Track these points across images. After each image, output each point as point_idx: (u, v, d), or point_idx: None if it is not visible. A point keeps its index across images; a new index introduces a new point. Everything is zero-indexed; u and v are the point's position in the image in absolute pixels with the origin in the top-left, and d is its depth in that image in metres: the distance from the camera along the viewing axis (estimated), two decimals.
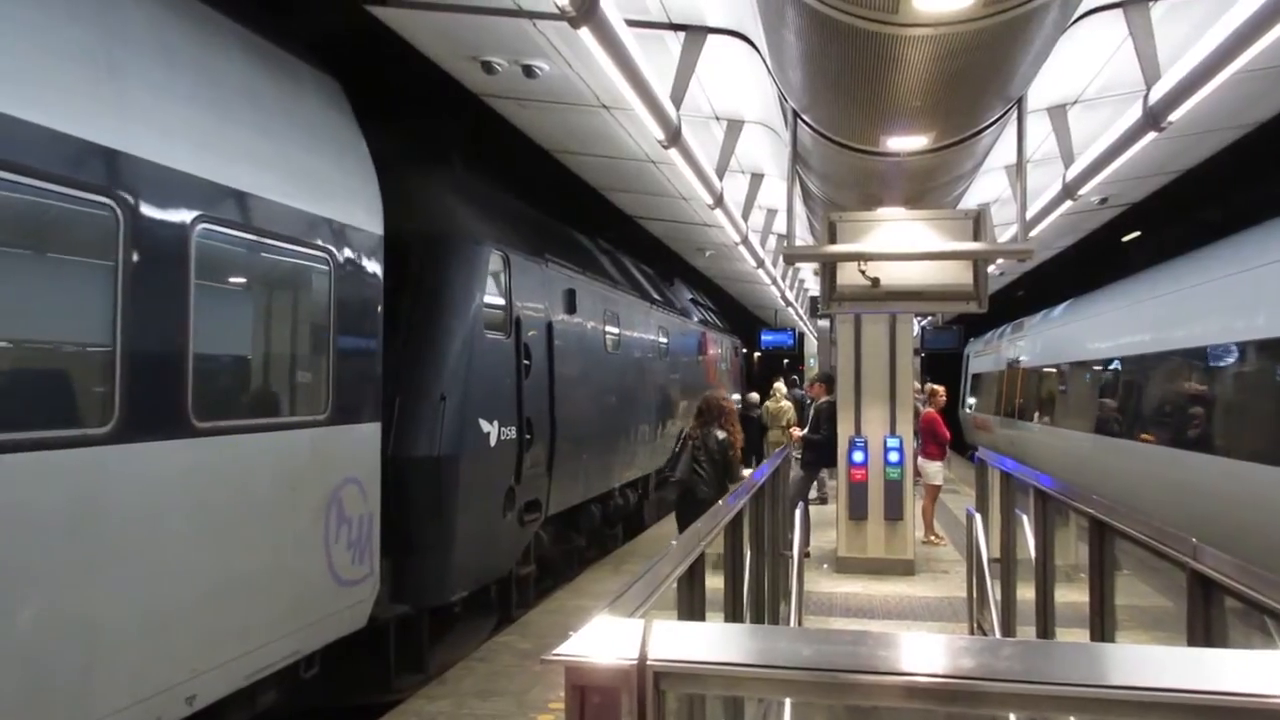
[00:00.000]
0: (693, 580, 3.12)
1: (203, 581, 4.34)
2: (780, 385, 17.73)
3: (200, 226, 4.37)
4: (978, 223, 6.47)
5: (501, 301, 7.75)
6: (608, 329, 11.09)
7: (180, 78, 4.47)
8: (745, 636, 2.23)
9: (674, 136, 6.39)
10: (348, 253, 5.59)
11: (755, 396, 19.77)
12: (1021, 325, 20.46)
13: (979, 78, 4.59)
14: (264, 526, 4.80)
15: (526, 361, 8.04)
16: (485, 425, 7.12)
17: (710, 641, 1.91)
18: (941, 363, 26.83)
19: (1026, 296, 23.86)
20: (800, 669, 1.65)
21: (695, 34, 6.19)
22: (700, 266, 18.55)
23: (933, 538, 11.83)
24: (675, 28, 6.17)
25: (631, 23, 5.03)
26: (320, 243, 5.32)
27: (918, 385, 14.25)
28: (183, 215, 4.29)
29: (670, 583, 2.74)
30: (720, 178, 8.55)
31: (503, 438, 7.42)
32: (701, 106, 7.87)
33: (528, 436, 7.93)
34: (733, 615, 4.42)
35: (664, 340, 14.45)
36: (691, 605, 3.09)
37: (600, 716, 1.67)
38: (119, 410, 3.90)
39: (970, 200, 9.25)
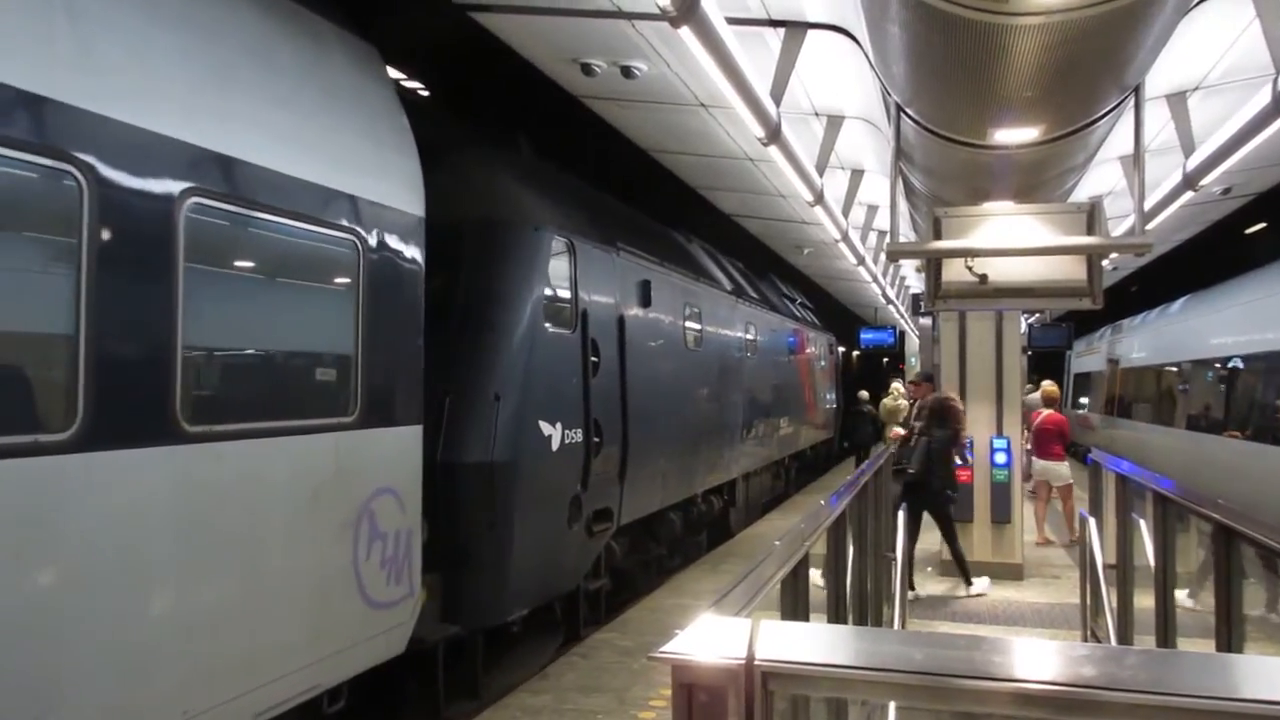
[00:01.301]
0: (796, 581, 3.09)
1: (195, 610, 3.79)
2: (897, 385, 18.48)
3: (191, 201, 3.78)
4: (1091, 216, 6.24)
5: (566, 293, 7.13)
6: (688, 324, 10.29)
7: (163, 31, 3.86)
8: (854, 638, 2.20)
9: (774, 134, 6.34)
10: (380, 234, 4.95)
11: (865, 394, 20.72)
12: (1132, 322, 19.72)
13: (1093, 66, 4.42)
14: (274, 545, 4.22)
15: (594, 359, 7.42)
16: (546, 428, 6.54)
17: (818, 642, 1.89)
18: (1048, 361, 25.97)
19: (1140, 292, 22.90)
20: (912, 673, 1.62)
21: (795, 30, 6.13)
22: (798, 264, 18.38)
23: (1050, 538, 11.59)
24: (775, 24, 6.12)
25: (732, 20, 5.01)
26: (344, 222, 4.72)
27: (1031, 385, 13.96)
28: (167, 186, 3.69)
29: (774, 583, 2.72)
30: (820, 174, 8.45)
31: (567, 441, 6.83)
32: (801, 103, 7.79)
33: (596, 440, 7.32)
34: (835, 617, 4.37)
35: (752, 337, 13.50)
36: (795, 606, 3.06)
37: (707, 715, 1.68)
38: (83, 412, 3.30)
39: (1082, 193, 8.92)
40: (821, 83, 7.41)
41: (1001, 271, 6.39)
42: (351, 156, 4.89)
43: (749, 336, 13.32)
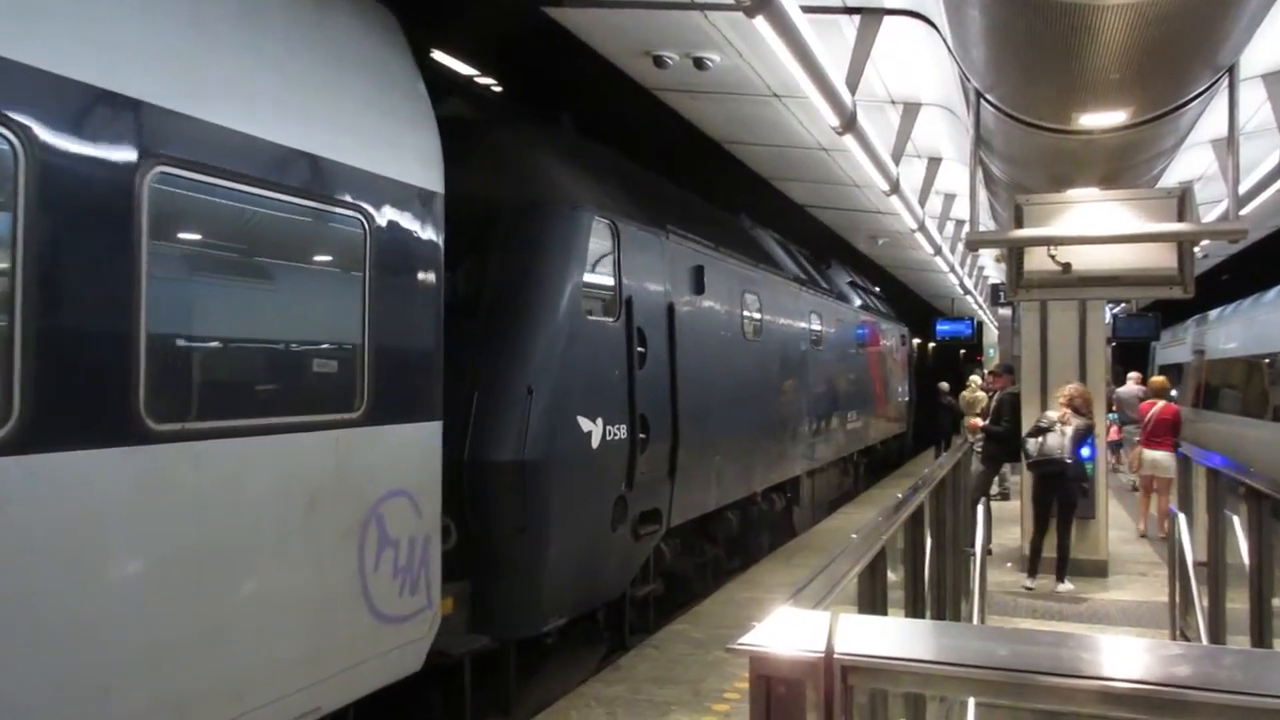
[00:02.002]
0: (874, 575, 3.06)
1: (163, 632, 3.37)
2: (976, 377, 18.64)
3: (156, 170, 3.37)
4: (1182, 201, 6.02)
5: (608, 279, 6.63)
6: (747, 313, 9.66)
7: None
8: (936, 633, 2.17)
9: (849, 122, 6.26)
10: (391, 212, 4.54)
11: (945, 386, 20.70)
12: (1224, 312, 19.02)
13: (1184, 46, 4.26)
14: (262, 557, 3.80)
15: (641, 349, 6.91)
16: (585, 423, 6.09)
17: (899, 637, 1.88)
18: (1132, 352, 25.19)
19: (1232, 281, 22.04)
20: (997, 669, 1.60)
21: (871, 16, 6.04)
22: (872, 254, 18.14)
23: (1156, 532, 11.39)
24: (850, 11, 6.04)
25: (806, 8, 4.95)
26: (348, 198, 4.29)
27: (1137, 376, 13.69)
28: (125, 154, 3.28)
29: (851, 577, 2.70)
30: (896, 163, 8.32)
31: (609, 438, 6.36)
32: (876, 90, 7.68)
33: (642, 436, 6.82)
34: (913, 612, 4.31)
35: (818, 327, 12.84)
36: (873, 600, 3.03)
37: (785, 707, 1.67)
38: (18, 409, 2.93)
39: (1171, 178, 8.63)
40: (897, 69, 7.29)
41: (1086, 260, 6.20)
42: (357, 126, 4.45)
43: (814, 326, 12.72)
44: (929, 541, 4.79)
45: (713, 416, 8.39)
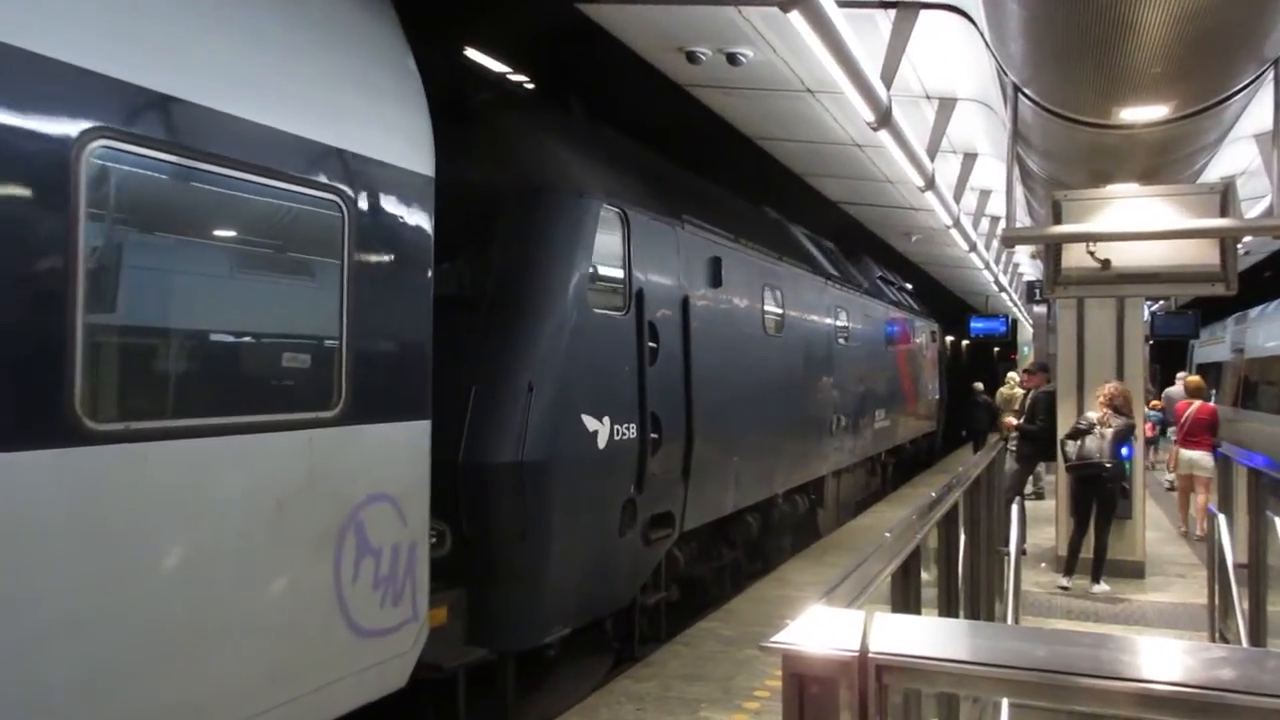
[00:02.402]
0: (908, 574, 3.03)
1: (103, 653, 3.06)
2: (1014, 374, 18.46)
3: (97, 144, 3.04)
4: (1225, 197, 5.92)
5: (617, 270, 6.31)
6: (768, 307, 9.22)
7: None
8: (972, 633, 2.15)
9: (884, 118, 6.21)
10: (373, 195, 4.20)
11: (980, 385, 20.73)
12: (1266, 309, 18.69)
13: (1228, 39, 4.19)
14: (219, 568, 3.47)
15: (653, 344, 6.56)
16: (591, 422, 5.77)
17: (934, 636, 1.86)
18: (1168, 350, 24.82)
19: (1274, 278, 21.64)
20: (1034, 670, 1.58)
21: (906, 11, 5.99)
22: (905, 251, 18.00)
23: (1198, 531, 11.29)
24: (885, 5, 5.99)
25: (842, 3, 4.92)
26: (324, 179, 3.95)
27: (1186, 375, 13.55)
28: (60, 125, 2.98)
29: (884, 577, 2.68)
30: (931, 159, 8.25)
31: (617, 438, 6.03)
32: (911, 85, 7.61)
33: (654, 436, 6.47)
34: (946, 612, 4.27)
35: (843, 323, 12.36)
36: (907, 600, 3.01)
37: (819, 706, 1.66)
38: None
39: (1213, 173, 8.48)
40: (933, 64, 7.23)
41: (1126, 257, 6.13)
42: (336, 103, 4.13)
43: (840, 322, 12.23)
44: (963, 541, 4.75)
45: (730, 415, 8.01)
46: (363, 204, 4.15)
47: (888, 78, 6.14)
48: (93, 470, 3.03)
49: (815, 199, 12.88)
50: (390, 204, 4.33)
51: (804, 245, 11.94)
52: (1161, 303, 19.45)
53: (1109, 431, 8.51)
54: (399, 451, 4.34)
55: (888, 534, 3.02)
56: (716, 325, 7.82)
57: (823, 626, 1.72)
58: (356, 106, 4.24)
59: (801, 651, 1.65)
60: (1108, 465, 8.48)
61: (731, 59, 6.92)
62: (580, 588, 5.81)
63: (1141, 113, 5.18)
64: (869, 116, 6.17)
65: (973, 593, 5.28)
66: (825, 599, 2.02)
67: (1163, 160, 6.37)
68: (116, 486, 3.12)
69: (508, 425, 5.25)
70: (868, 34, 6.04)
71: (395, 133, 4.42)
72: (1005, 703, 4.27)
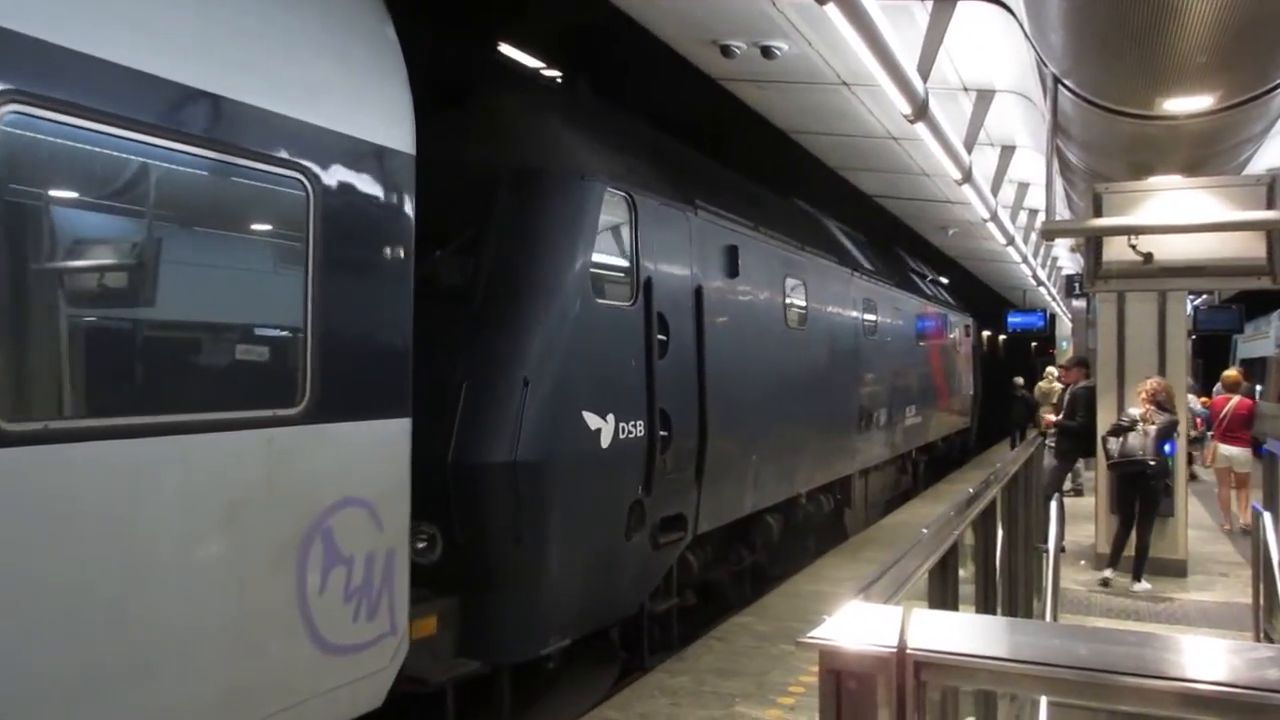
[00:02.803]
0: (945, 571, 3.01)
1: (19, 679, 2.75)
2: (1053, 369, 18.59)
3: (7, 110, 2.72)
4: (1272, 189, 5.81)
5: (623, 259, 5.97)
6: (790, 299, 8.82)
7: None
8: (1012, 630, 2.13)
9: (921, 110, 6.15)
10: (342, 173, 3.85)
11: (1020, 380, 21.07)
12: None
13: (1276, 26, 4.10)
14: (159, 582, 3.14)
15: (662, 337, 6.19)
16: (593, 420, 5.44)
17: (973, 633, 1.84)
18: (1210, 345, 24.41)
19: None
20: (1076, 668, 1.56)
21: (944, 1, 5.92)
22: (941, 244, 17.84)
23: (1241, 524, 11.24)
24: None
25: None
26: (285, 154, 3.61)
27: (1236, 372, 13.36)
28: None
29: (922, 573, 2.66)
30: (969, 151, 8.16)
31: (623, 436, 5.68)
32: (949, 77, 7.54)
33: (664, 434, 6.10)
34: (984, 609, 4.23)
35: (871, 316, 11.86)
36: (944, 597, 2.98)
37: (856, 702, 1.66)
38: None
39: (1259, 165, 8.32)
40: (971, 56, 7.15)
41: (1168, 250, 6.03)
42: (299, 72, 3.76)
43: (868, 316, 11.75)
44: (1000, 537, 4.70)
45: (749, 412, 7.64)
46: (330, 182, 3.80)
47: (925, 70, 6.08)
48: (7, 475, 2.71)
49: (850, 193, 12.79)
50: (363, 183, 3.97)
51: (830, 235, 11.51)
52: (1204, 296, 19.13)
53: (1152, 428, 8.38)
54: (374, 452, 3.98)
55: (925, 530, 3.00)
56: (733, 317, 7.44)
57: (860, 622, 1.72)
58: (324, 75, 3.88)
59: (839, 647, 1.64)
60: (1151, 463, 8.36)
61: (766, 52, 6.88)
62: (582, 595, 5.47)
63: (1185, 103, 5.09)
64: (906, 109, 6.12)
65: (1011, 590, 5.23)
66: (862, 595, 2.01)
67: (1207, 152, 6.26)
68: (36, 493, 2.80)
69: (501, 423, 4.93)
70: (904, 26, 5.98)
71: (370, 106, 4.06)
72: (1044, 701, 4.22)
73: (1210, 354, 24.10)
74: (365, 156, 3.98)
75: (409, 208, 4.19)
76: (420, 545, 4.63)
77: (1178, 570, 9.11)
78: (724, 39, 6.78)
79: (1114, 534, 8.86)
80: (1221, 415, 11.83)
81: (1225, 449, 11.66)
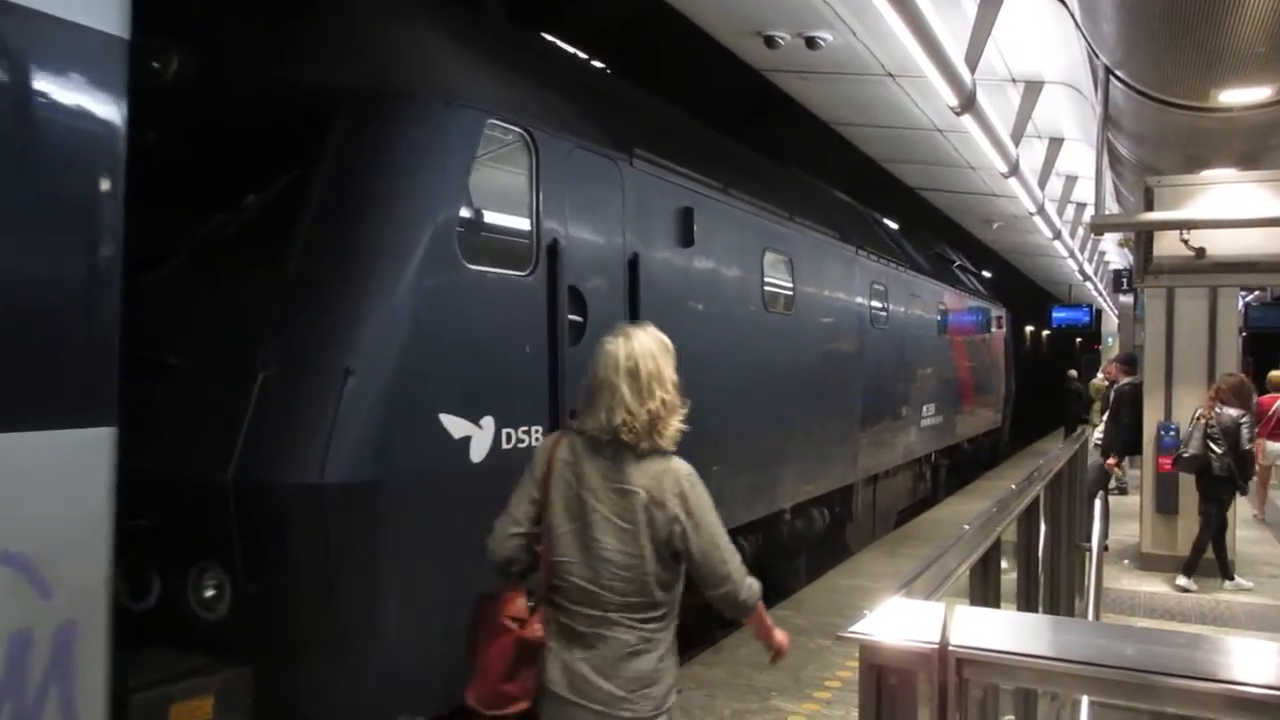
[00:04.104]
0: (987, 568, 2.98)
1: None
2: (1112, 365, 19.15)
3: None
4: None
5: (515, 217, 4.56)
6: (772, 279, 7.35)
7: None
8: (1055, 629, 2.10)
9: (968, 102, 6.07)
10: None
11: (1074, 373, 21.16)
12: None
13: None
14: None
15: (576, 318, 4.80)
16: (458, 425, 4.03)
17: (1016, 631, 1.83)
18: (1267, 343, 23.88)
19: None
20: (1122, 669, 1.54)
21: None
22: (985, 238, 17.63)
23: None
24: None
25: None
26: None
27: None
28: None
29: (964, 570, 2.64)
30: (1015, 144, 8.05)
31: (507, 446, 4.26)
32: (996, 69, 7.44)
33: None
34: (1025, 607, 4.19)
35: (880, 303, 10.26)
36: (985, 594, 2.96)
37: (897, 698, 1.65)
38: None
39: None
40: (1020, 46, 7.05)
41: (1222, 245, 5.91)
42: None
43: (876, 302, 10.14)
44: (1043, 535, 4.65)
45: (707, 414, 5.58)
46: None
47: (972, 61, 6.00)
48: None
49: (893, 185, 12.67)
50: (36, 75, 2.63)
51: (830, 207, 9.81)
52: (1256, 293, 18.73)
53: (1217, 426, 8.23)
54: (38, 481, 2.64)
55: (966, 526, 2.97)
56: (687, 297, 6.01)
57: (902, 618, 1.71)
58: None
59: (880, 642, 1.63)
60: (1215, 460, 8.20)
61: (810, 43, 6.83)
62: (443, 660, 3.76)
63: (1242, 95, 4.98)
64: (952, 101, 6.04)
65: (1052, 588, 5.17)
66: (904, 591, 1.99)
67: (1264, 145, 6.13)
68: None
69: (306, 430, 3.56)
70: (952, 16, 5.90)
71: None
72: (1085, 701, 4.17)
73: (1262, 352, 23.58)
74: (31, 34, 2.60)
75: (116, 114, 2.79)
76: (207, 595, 3.53)
77: (1225, 571, 8.94)
78: (767, 29, 6.74)
79: (1195, 539, 8.63)
80: (1270, 413, 12.01)
81: (1273, 445, 11.98)
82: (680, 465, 2.89)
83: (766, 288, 7.25)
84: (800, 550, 8.54)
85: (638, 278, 5.34)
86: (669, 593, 2.85)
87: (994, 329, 18.03)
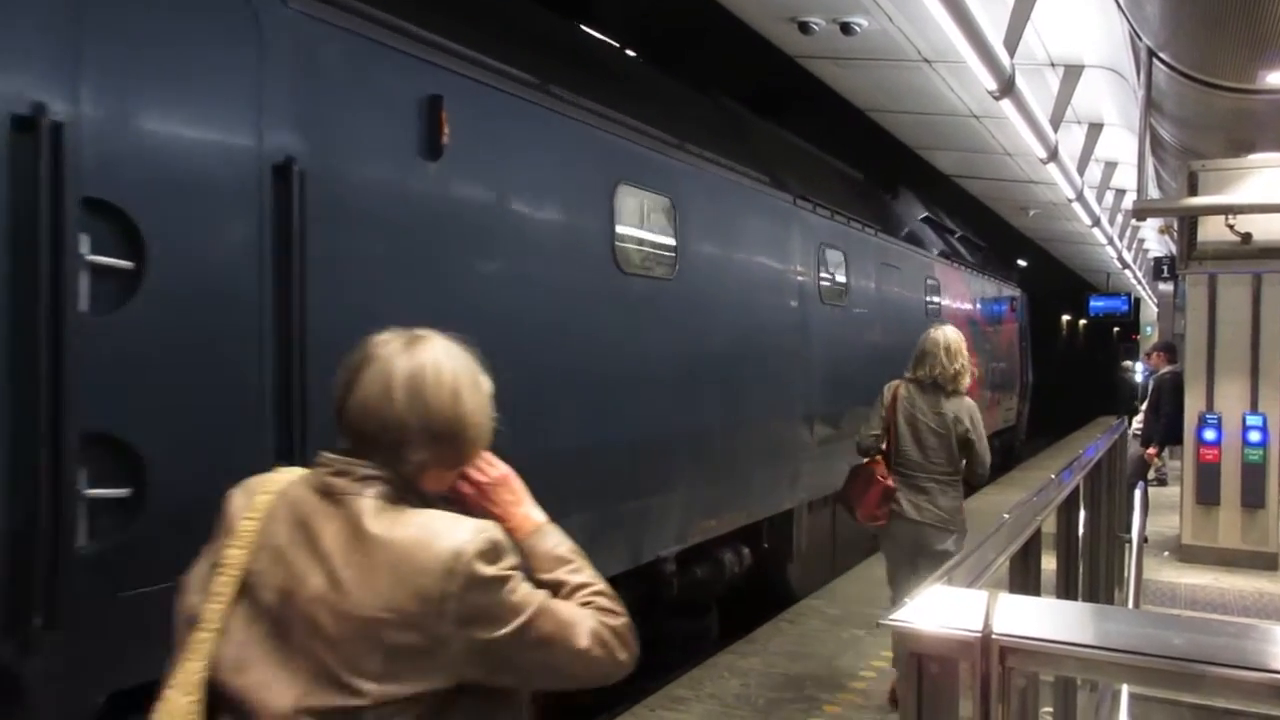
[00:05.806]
0: (1027, 558, 2.95)
1: None
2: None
3: None
4: None
5: None
6: (630, 229, 5.10)
7: None
8: (1099, 618, 2.07)
9: (1006, 87, 5.99)
10: None
11: (1128, 363, 21.86)
12: None
13: None
14: None
15: (125, 263, 2.59)
16: None
17: (1060, 620, 1.81)
18: None
19: None
20: (1168, 658, 1.51)
21: None
22: (1022, 226, 17.40)
23: None
24: None
25: None
26: None
27: None
28: None
29: (1003, 560, 2.61)
30: (1055, 129, 7.94)
31: None
32: (1035, 53, 7.32)
33: (118, 492, 2.53)
34: (1065, 597, 4.15)
35: (835, 274, 7.82)
36: (1025, 584, 2.93)
37: (938, 686, 1.64)
38: None
39: None
40: (1060, 30, 6.93)
41: (1269, 230, 5.80)
42: None
43: (828, 272, 7.70)
44: (1082, 525, 4.59)
45: (523, 424, 3.18)
46: None
47: (1011, 45, 5.92)
48: None
49: (927, 172, 12.54)
50: None
51: (762, 140, 7.63)
52: None
53: None
54: None
55: (1005, 516, 2.94)
56: (437, 240, 3.77)
57: (943, 606, 1.69)
58: None
59: (921, 630, 1.62)
60: None
61: (845, 28, 6.76)
62: None
63: None
64: (990, 86, 5.97)
65: (1092, 579, 5.11)
66: (944, 579, 1.98)
67: None
68: None
69: None
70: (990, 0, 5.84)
71: None
72: (1125, 691, 4.13)
73: None
74: None
75: None
76: None
77: (1268, 564, 8.79)
78: (802, 15, 6.68)
79: None
80: None
81: None
82: (968, 400, 5.08)
83: (625, 241, 5.03)
84: (704, 608, 6.60)
85: (299, 203, 3.09)
86: (956, 466, 5.01)
87: (1008, 313, 15.55)
